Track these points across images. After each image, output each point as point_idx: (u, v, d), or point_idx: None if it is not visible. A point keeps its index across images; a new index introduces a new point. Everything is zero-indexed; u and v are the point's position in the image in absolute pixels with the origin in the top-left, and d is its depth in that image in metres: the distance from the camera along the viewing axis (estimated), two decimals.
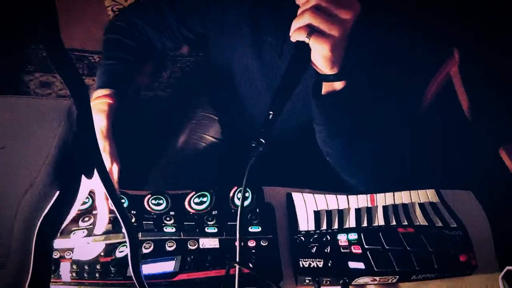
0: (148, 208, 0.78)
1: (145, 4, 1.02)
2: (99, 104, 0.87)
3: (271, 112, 0.71)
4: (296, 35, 0.70)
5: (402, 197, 0.84)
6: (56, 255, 0.71)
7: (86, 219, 0.77)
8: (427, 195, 0.85)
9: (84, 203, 0.79)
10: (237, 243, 0.73)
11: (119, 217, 0.49)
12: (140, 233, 0.75)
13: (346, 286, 0.72)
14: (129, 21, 0.99)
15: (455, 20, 0.98)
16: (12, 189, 0.38)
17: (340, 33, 0.68)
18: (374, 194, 0.84)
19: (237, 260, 0.69)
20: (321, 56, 0.70)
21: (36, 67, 2.12)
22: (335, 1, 0.68)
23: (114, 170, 0.81)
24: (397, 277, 0.73)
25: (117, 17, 1.03)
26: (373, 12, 0.72)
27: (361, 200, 0.84)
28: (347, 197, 0.84)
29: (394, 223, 0.79)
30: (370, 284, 0.74)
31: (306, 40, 0.69)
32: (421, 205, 0.83)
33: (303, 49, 0.70)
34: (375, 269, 0.72)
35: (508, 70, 1.06)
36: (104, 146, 0.81)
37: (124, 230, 0.51)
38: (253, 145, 0.70)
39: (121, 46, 0.98)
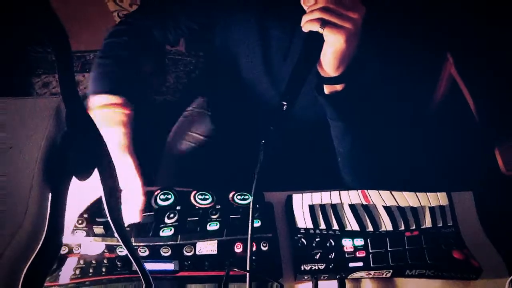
0: (154, 205, 0.79)
1: (153, 4, 0.98)
2: (114, 114, 0.79)
3: (284, 103, 0.69)
4: (308, 25, 0.69)
5: (407, 199, 0.84)
6: (64, 250, 0.73)
7: (80, 221, 0.75)
8: (438, 198, 0.84)
9: None
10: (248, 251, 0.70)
11: (111, 224, 0.49)
12: (133, 239, 0.74)
13: (343, 280, 0.73)
14: (132, 22, 0.95)
15: (445, 24, 1.00)
16: (19, 187, 0.38)
17: (353, 27, 0.68)
18: (365, 191, 0.84)
19: (247, 268, 0.68)
20: (334, 49, 0.69)
21: (45, 70, 2.17)
22: (341, 4, 0.68)
23: (143, 191, 0.76)
24: (391, 271, 0.74)
25: (122, 19, 0.98)
26: (376, 15, 0.72)
27: (353, 197, 0.84)
28: (339, 192, 0.85)
29: (402, 227, 0.79)
30: (365, 278, 0.76)
31: (320, 30, 0.68)
32: (431, 209, 0.82)
33: (316, 39, 0.69)
34: (372, 265, 0.74)
35: (504, 68, 1.06)
36: (130, 162, 0.76)
37: (116, 234, 0.50)
38: (262, 142, 0.69)
39: (121, 46, 0.91)
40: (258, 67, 0.94)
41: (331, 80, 0.75)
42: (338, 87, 0.77)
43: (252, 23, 0.89)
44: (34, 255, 0.37)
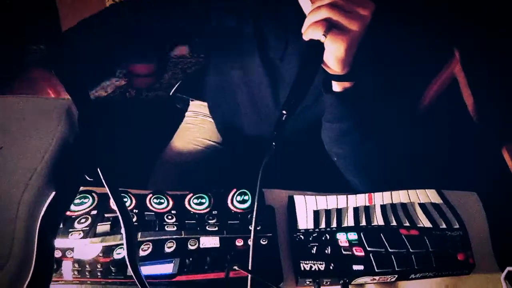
0: (150, 207, 0.78)
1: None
2: None
3: (284, 112, 0.67)
4: (311, 31, 0.66)
5: (400, 196, 0.83)
6: (58, 254, 0.72)
7: (82, 220, 0.75)
8: (427, 195, 0.84)
9: (82, 203, 0.77)
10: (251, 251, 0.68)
11: (120, 217, 0.49)
12: (140, 233, 0.75)
13: (346, 286, 0.72)
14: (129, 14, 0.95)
15: (454, 19, 0.98)
16: (11, 189, 0.37)
17: (360, 28, 0.66)
18: (372, 193, 0.84)
19: (249, 268, 0.66)
20: (335, 57, 0.68)
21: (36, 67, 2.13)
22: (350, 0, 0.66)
23: None
24: (396, 276, 0.73)
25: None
26: (381, 12, 0.70)
27: (360, 199, 0.83)
28: (347, 196, 0.84)
29: (394, 223, 0.78)
30: (370, 283, 0.75)
31: (322, 38, 0.65)
32: (423, 206, 0.81)
33: (317, 48, 0.67)
34: (376, 270, 0.72)
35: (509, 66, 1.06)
36: None
37: (123, 230, 0.50)
38: (273, 145, 0.67)
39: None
40: (257, 69, 0.93)
41: (341, 78, 0.73)
42: (348, 84, 0.75)
43: (247, 33, 0.88)
44: (33, 264, 0.36)
